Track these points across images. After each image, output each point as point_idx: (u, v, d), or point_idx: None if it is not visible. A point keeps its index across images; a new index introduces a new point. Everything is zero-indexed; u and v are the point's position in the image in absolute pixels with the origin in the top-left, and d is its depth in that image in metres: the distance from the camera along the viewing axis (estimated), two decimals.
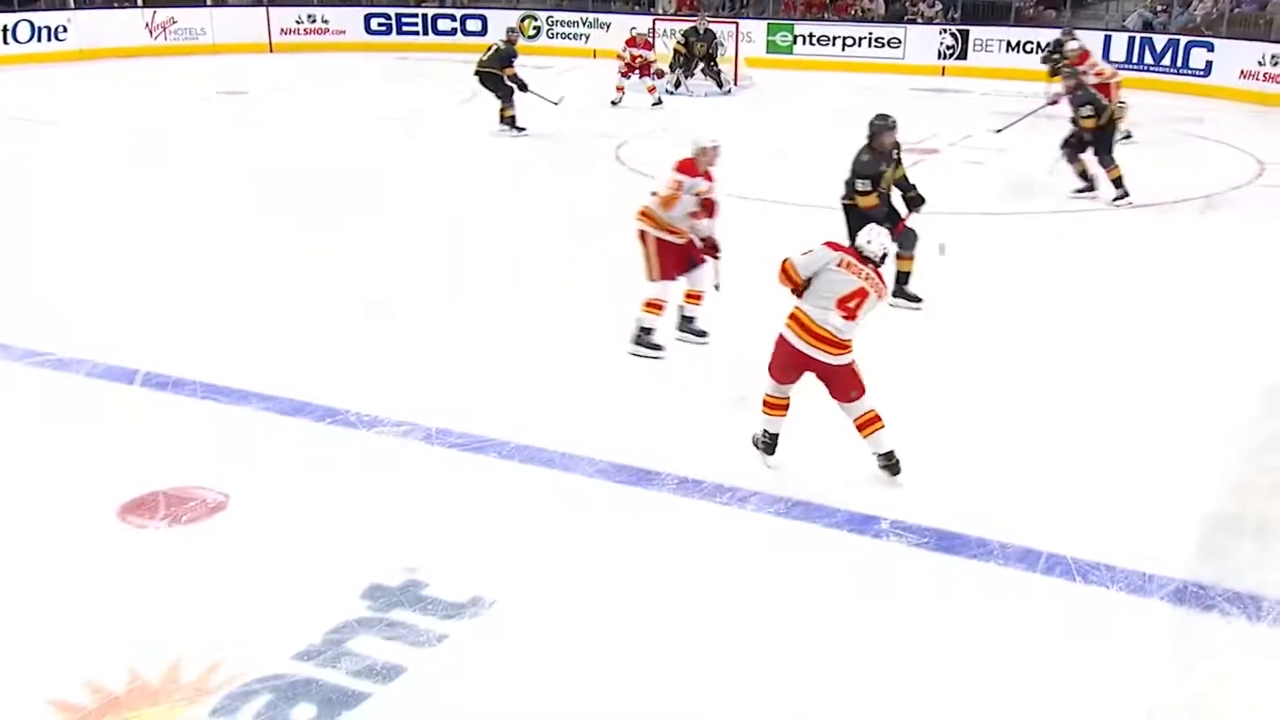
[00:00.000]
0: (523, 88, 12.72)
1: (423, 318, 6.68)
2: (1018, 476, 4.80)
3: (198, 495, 4.58)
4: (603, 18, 19.62)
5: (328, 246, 8.13)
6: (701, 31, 16.02)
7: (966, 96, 15.87)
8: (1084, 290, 7.05)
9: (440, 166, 11.06)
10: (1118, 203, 9.37)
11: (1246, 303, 7.00)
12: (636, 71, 15.10)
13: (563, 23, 20.50)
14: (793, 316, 4.73)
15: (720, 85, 15.93)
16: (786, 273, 4.77)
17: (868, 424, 4.68)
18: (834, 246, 4.80)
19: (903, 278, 6.83)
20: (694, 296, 6.25)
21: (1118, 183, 9.40)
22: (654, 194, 6.06)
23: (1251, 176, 10.62)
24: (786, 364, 4.72)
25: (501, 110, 12.68)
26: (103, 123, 13.25)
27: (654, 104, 14.75)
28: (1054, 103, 11.83)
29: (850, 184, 6.82)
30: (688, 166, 6.04)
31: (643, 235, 6.08)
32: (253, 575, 4.07)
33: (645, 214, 6.10)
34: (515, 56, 12.72)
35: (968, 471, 4.81)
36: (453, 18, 21.01)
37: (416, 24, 20.98)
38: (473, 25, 20.87)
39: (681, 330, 6.30)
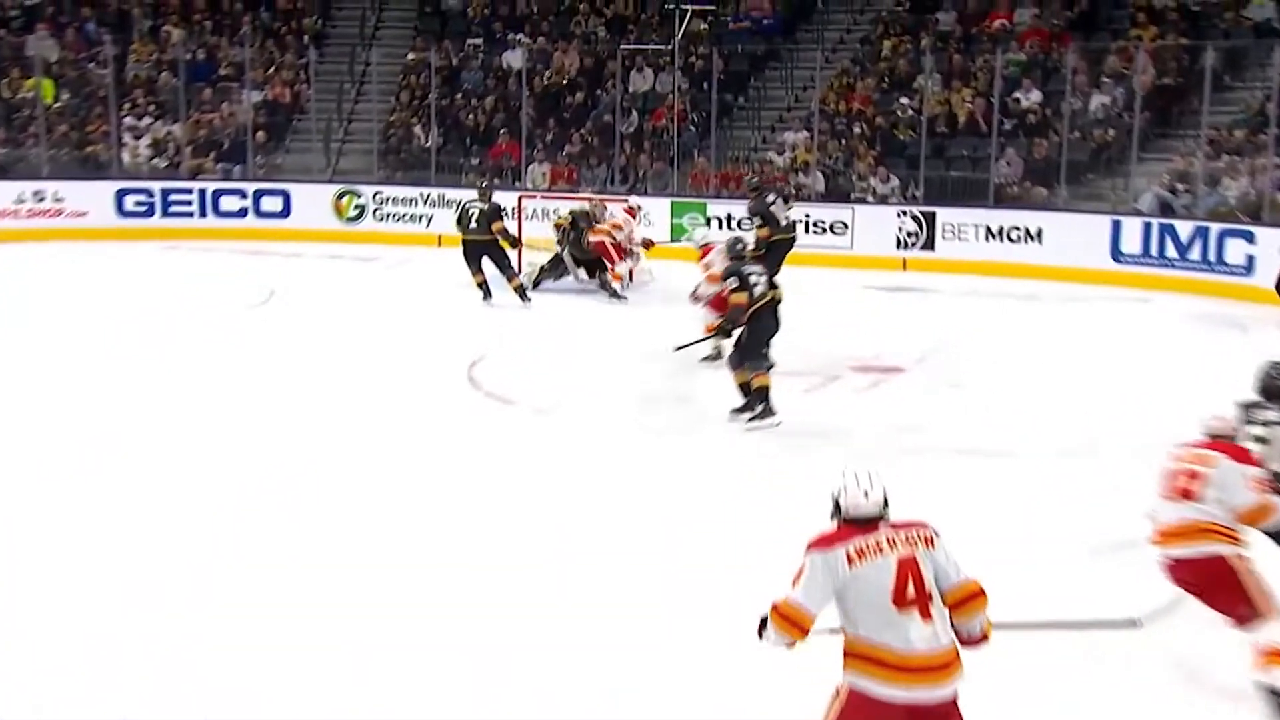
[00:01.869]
0: (514, 244, 15.31)
1: (189, 608, 6.48)
2: None
3: None
4: (450, 194, 20.17)
5: (47, 518, 7.90)
6: (594, 218, 16.46)
7: (936, 297, 16.58)
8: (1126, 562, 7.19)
9: (223, 397, 10.98)
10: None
11: None
12: (618, 255, 16.10)
13: (395, 200, 21.09)
14: (861, 658, 4.30)
15: (612, 294, 16.05)
16: (789, 620, 4.32)
17: None
18: (824, 542, 4.40)
19: None
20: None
21: (747, 390, 10.20)
22: (1182, 495, 5.68)
23: None
24: None
25: (509, 281, 15.36)
26: None
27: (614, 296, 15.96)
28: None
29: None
30: (1241, 451, 5.69)
31: (1222, 563, 5.49)
32: None
33: (1221, 532, 5.54)
34: (502, 209, 15.50)
35: None
36: (243, 194, 21.42)
37: (190, 203, 21.28)
38: (270, 204, 21.26)
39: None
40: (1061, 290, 16.82)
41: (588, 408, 10.74)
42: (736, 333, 10.31)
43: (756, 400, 10.14)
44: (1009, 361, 12.48)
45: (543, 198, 18.91)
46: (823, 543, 4.37)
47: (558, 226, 16.51)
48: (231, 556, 7.29)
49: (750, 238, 13.96)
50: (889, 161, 19.85)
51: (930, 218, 18.75)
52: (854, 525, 4.39)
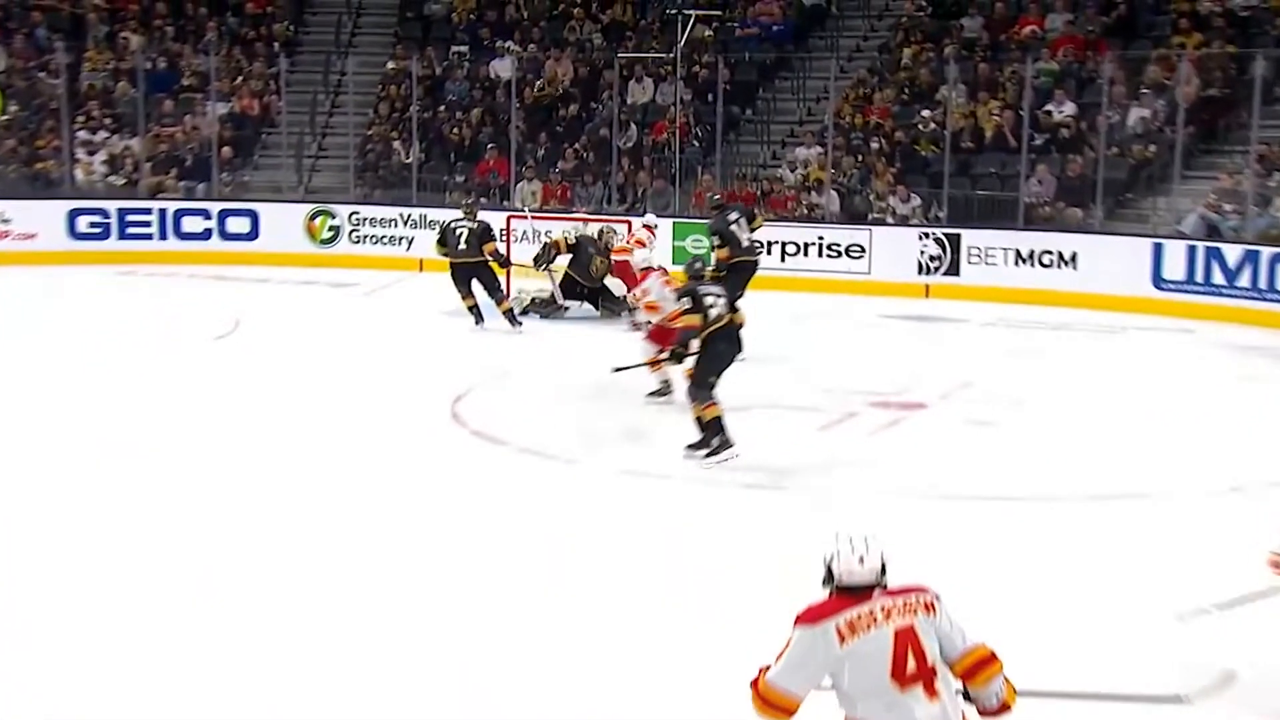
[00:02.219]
0: (504, 264, 15.87)
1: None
2: None
3: None
4: (432, 214, 20.19)
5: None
6: (605, 243, 16.54)
7: (961, 327, 16.64)
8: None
9: (186, 437, 10.95)
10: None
11: None
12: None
13: (373, 221, 21.14)
14: None
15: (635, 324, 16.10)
16: (769, 704, 4.25)
17: None
18: (812, 616, 4.28)
19: None
20: None
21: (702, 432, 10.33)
22: None
23: None
24: None
25: (498, 305, 15.71)
26: None
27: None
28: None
29: None
30: None
31: None
32: None
33: None
34: (491, 229, 15.88)
35: None
36: (206, 214, 21.45)
37: (150, 224, 21.30)
38: (237, 225, 21.30)
39: None
40: (1098, 320, 16.82)
41: (581, 446, 10.73)
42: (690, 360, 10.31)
43: (711, 434, 10.12)
44: (1041, 398, 12.47)
45: (534, 218, 18.94)
46: (810, 616, 4.25)
47: (551, 246, 16.49)
48: (201, 606, 7.25)
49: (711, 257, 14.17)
50: (909, 179, 19.89)
51: (955, 240, 18.76)
52: (847, 595, 4.28)
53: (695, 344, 10.34)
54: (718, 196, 16.74)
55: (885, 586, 4.31)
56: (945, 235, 18.84)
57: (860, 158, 20.43)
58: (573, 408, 12.06)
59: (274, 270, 20.09)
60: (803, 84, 22.29)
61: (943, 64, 20.60)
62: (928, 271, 18.80)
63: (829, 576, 4.33)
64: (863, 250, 19.11)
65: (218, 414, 11.73)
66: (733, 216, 14.86)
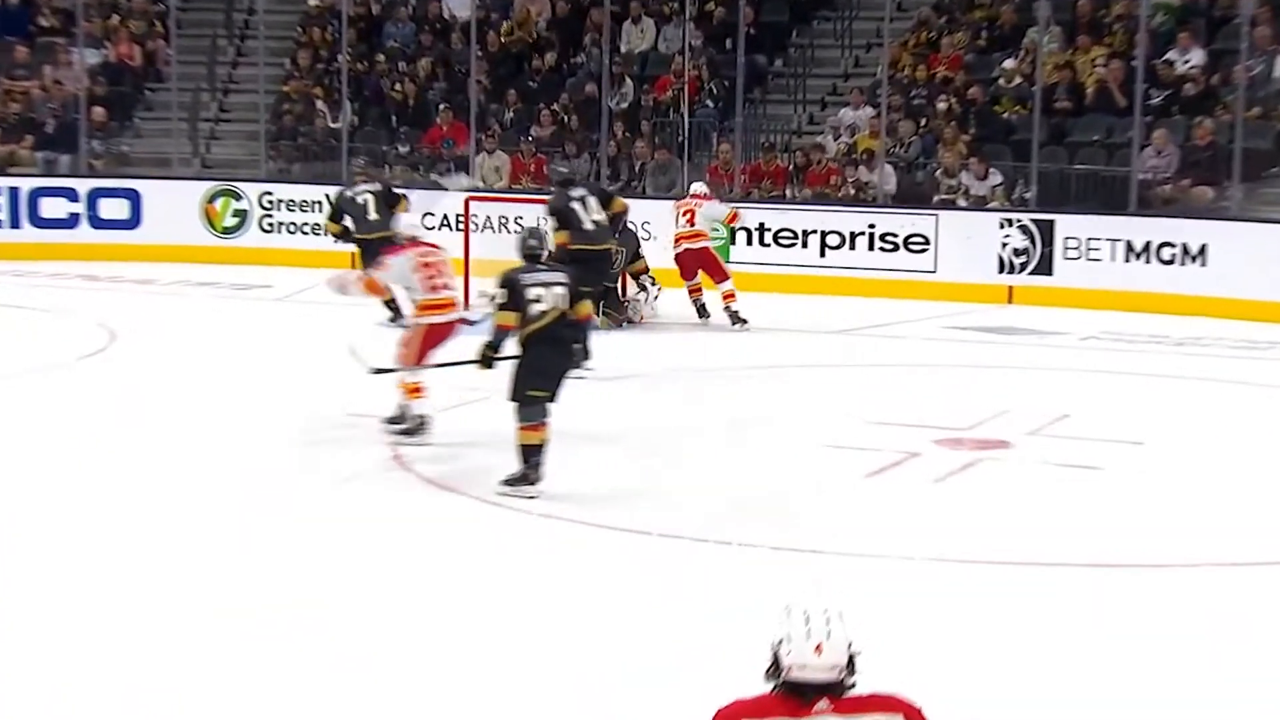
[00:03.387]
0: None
1: None
2: None
3: None
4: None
5: None
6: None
7: (1055, 342, 16.64)
8: None
9: (47, 490, 10.88)
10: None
11: None
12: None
13: (291, 204, 21.24)
14: None
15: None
16: None
17: None
18: (731, 714, 4.29)
19: None
20: None
21: None
22: None
23: None
24: None
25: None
26: None
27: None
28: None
29: None
30: None
31: None
32: None
33: None
34: (393, 187, 16.84)
35: None
36: (73, 195, 21.52)
37: None
38: (113, 209, 21.39)
39: None
40: (1234, 332, 16.89)
41: (551, 493, 10.63)
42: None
43: (522, 460, 10.22)
44: (1160, 435, 12.45)
45: (499, 200, 18.89)
46: (725, 716, 4.26)
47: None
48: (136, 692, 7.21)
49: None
50: (987, 150, 19.95)
51: (1046, 229, 18.80)
52: (791, 695, 4.24)
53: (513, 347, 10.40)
54: (563, 170, 16.90)
55: (848, 689, 4.23)
56: (1034, 222, 18.86)
57: (924, 122, 20.48)
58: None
59: (161, 268, 20.17)
60: (848, 26, 22.36)
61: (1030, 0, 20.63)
62: (1011, 270, 18.85)
63: (774, 668, 4.26)
64: (926, 242, 19.18)
65: (88, 457, 11.67)
66: (577, 193, 14.88)
